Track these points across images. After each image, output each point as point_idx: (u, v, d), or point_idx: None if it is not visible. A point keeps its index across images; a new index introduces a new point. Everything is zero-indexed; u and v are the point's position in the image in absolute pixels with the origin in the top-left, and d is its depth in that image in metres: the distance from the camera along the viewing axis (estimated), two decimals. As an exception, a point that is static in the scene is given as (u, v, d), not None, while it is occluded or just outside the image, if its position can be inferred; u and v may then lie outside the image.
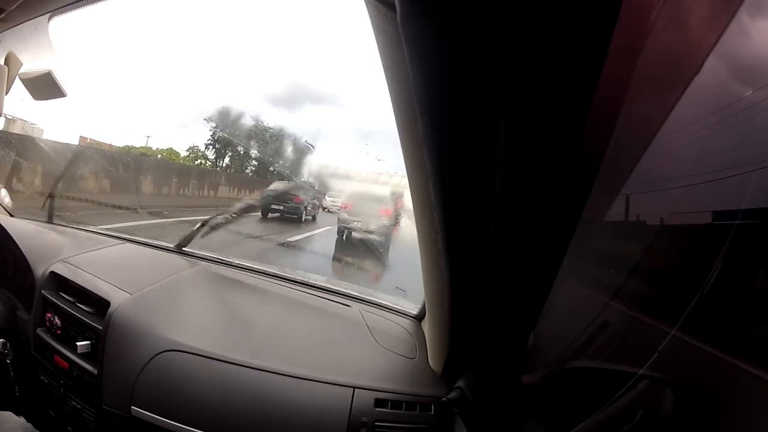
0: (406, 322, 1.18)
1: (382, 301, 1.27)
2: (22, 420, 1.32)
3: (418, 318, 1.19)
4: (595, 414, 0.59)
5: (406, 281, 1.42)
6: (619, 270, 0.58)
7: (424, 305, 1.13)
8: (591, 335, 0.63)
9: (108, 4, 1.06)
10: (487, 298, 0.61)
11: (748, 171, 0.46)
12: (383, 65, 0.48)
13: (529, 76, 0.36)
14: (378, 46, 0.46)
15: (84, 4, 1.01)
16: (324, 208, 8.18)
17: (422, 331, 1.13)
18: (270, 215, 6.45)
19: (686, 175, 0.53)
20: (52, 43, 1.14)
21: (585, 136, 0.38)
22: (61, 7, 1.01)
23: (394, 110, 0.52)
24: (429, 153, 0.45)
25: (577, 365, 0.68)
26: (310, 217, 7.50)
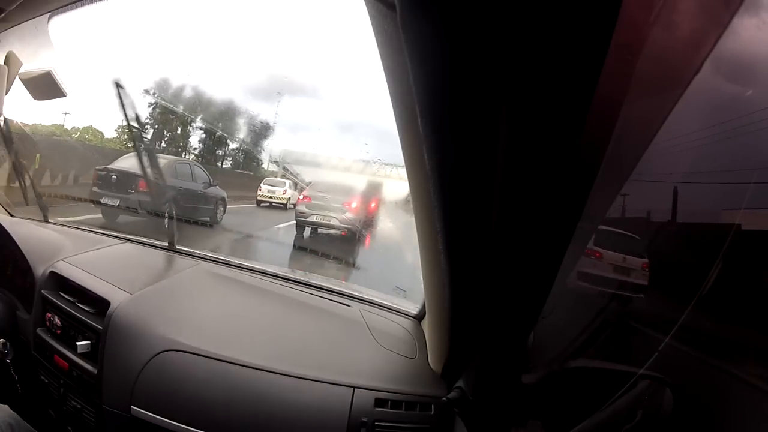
0: (406, 322, 1.18)
1: (382, 301, 1.27)
2: (12, 412, 1.31)
3: (418, 318, 1.19)
4: (595, 414, 0.59)
5: (384, 281, 1.39)
6: (619, 269, 0.58)
7: (424, 305, 1.13)
8: (591, 335, 0.63)
9: (107, 4, 1.06)
10: (487, 298, 0.61)
11: (747, 170, 0.46)
12: (383, 65, 0.48)
13: (529, 76, 0.36)
14: (378, 46, 0.46)
15: (84, 4, 1.01)
16: (260, 202, 6.12)
17: (422, 331, 1.13)
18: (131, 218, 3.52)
19: (686, 174, 0.53)
20: (52, 43, 1.14)
21: (585, 135, 0.38)
22: (61, 7, 1.01)
23: (394, 110, 0.52)
24: (429, 153, 0.45)
25: (577, 365, 0.68)
26: (206, 219, 4.39)
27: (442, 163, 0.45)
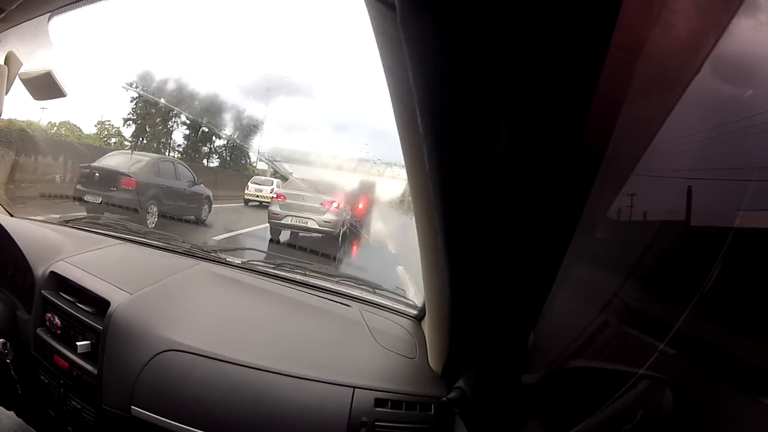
0: (406, 322, 1.18)
1: (382, 301, 1.28)
2: (18, 419, 1.31)
3: (418, 318, 1.19)
4: (595, 414, 0.59)
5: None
6: (620, 269, 0.58)
7: (424, 305, 1.13)
8: (591, 335, 0.63)
9: (107, 4, 1.06)
10: (487, 298, 0.61)
11: (747, 168, 0.46)
12: (383, 65, 0.48)
13: (529, 76, 0.36)
14: (378, 46, 0.46)
15: (84, 4, 1.02)
16: (247, 201, 6.03)
17: (422, 331, 1.13)
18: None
19: (686, 175, 0.53)
20: (52, 43, 1.14)
21: (585, 136, 0.38)
22: (61, 7, 1.01)
23: (394, 110, 0.52)
24: (429, 153, 0.45)
25: (577, 365, 0.68)
26: (192, 217, 4.43)
27: (442, 163, 0.45)
